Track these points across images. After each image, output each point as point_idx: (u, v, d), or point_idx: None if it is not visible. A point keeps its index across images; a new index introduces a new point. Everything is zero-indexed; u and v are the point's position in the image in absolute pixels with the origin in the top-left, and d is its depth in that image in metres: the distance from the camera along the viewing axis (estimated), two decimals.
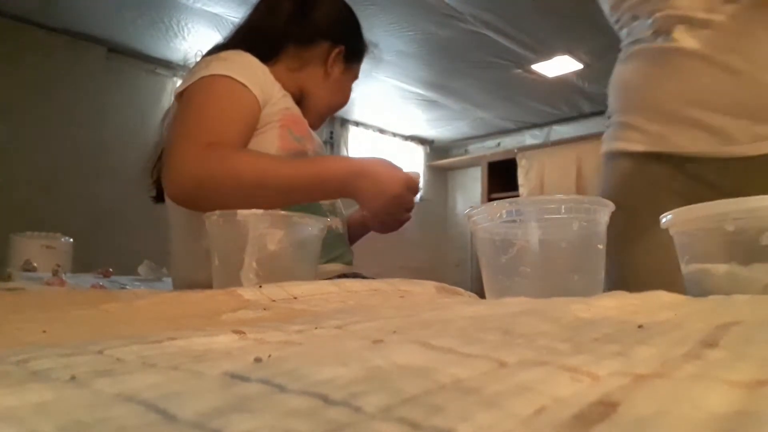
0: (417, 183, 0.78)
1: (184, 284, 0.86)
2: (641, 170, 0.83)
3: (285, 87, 0.92)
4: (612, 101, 0.89)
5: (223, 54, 0.86)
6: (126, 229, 2.74)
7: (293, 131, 0.88)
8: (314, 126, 1.01)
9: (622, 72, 0.89)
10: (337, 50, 0.97)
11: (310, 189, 0.76)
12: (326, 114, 1.04)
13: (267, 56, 0.91)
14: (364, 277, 0.77)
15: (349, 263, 0.95)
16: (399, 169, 0.77)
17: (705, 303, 0.36)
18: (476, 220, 0.52)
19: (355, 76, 1.05)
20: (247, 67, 0.84)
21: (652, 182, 0.81)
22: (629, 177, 0.84)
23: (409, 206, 0.78)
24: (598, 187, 0.91)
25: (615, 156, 0.86)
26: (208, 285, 0.64)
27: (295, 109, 0.92)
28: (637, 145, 0.82)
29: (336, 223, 0.93)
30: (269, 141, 0.84)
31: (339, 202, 0.97)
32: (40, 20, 2.64)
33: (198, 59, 0.90)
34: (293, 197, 0.76)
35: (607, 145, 0.88)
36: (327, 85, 0.98)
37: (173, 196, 0.77)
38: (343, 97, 1.04)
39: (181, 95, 0.83)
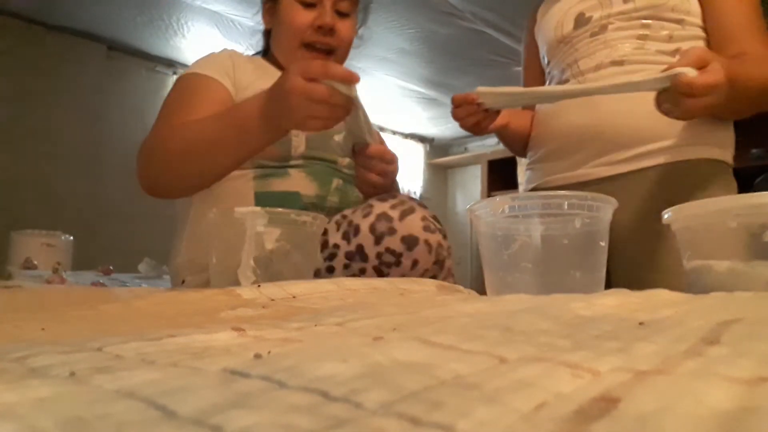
0: (312, 67, 0.65)
1: (186, 268, 0.84)
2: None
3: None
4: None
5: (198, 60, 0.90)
6: (126, 227, 2.74)
7: None
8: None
9: None
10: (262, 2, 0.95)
11: (237, 137, 0.71)
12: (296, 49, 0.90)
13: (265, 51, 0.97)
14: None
15: None
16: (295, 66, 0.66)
17: (706, 300, 0.36)
18: (479, 214, 0.52)
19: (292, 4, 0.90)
20: (212, 62, 0.86)
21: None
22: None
23: (312, 95, 0.64)
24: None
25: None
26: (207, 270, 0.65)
27: None
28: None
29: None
30: None
31: (332, 196, 0.91)
32: (40, 18, 2.63)
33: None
34: (227, 150, 0.73)
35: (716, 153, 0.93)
36: (279, 32, 0.93)
37: (143, 189, 0.79)
38: (290, 22, 0.89)
39: None
